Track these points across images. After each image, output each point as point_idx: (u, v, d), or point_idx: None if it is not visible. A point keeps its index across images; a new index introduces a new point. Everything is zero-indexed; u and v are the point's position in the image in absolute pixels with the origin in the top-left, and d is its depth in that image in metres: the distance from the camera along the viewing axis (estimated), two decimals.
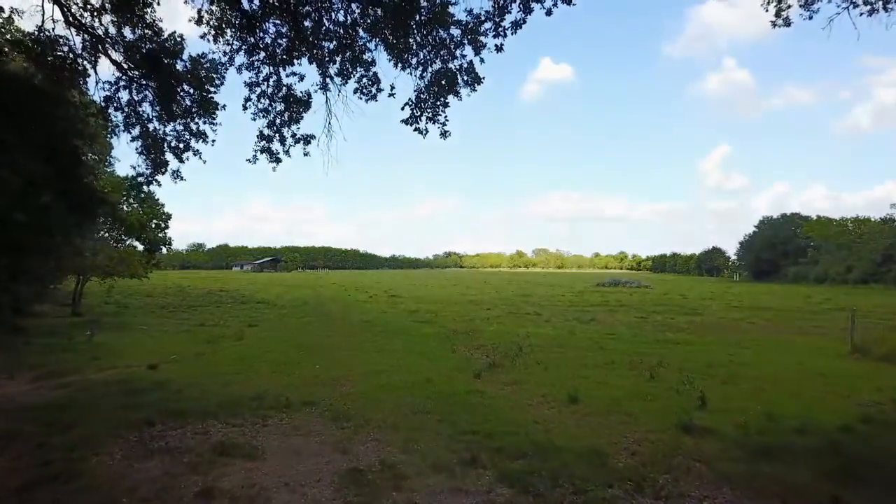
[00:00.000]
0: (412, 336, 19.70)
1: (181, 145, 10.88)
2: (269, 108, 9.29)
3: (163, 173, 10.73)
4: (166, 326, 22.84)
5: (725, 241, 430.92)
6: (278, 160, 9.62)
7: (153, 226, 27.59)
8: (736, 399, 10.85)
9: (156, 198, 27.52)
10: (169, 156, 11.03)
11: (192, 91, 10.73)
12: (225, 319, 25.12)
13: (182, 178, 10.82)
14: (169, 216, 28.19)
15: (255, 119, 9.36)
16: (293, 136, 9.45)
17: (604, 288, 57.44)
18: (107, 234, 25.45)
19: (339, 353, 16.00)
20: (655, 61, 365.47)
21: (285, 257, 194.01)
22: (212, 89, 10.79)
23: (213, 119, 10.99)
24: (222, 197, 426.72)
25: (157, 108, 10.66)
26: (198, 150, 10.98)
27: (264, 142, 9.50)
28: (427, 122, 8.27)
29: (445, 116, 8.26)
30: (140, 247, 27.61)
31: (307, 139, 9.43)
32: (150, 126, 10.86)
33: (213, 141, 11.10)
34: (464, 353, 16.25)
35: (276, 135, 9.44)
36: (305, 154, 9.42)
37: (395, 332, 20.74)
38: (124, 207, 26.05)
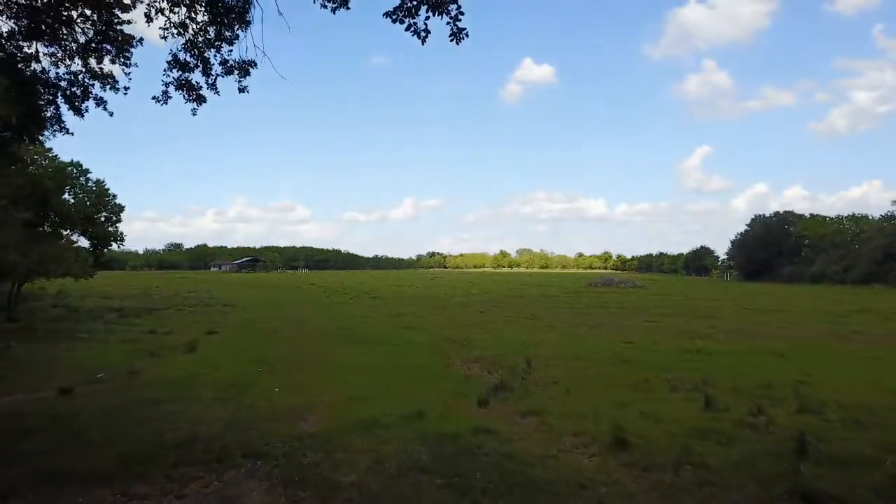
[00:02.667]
0: (397, 346, 16.71)
1: (78, 91, 7.78)
2: (188, 21, 6.23)
3: (45, 128, 7.62)
4: (112, 334, 19.62)
5: (704, 241, 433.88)
6: (200, 99, 6.58)
7: (102, 219, 24.26)
8: (838, 440, 7.98)
9: (105, 188, 24.21)
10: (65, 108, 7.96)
11: (92, 15, 7.65)
12: (182, 325, 21.97)
13: (67, 132, 7.72)
14: (121, 208, 24.92)
15: (165, 38, 6.29)
16: (223, 62, 6.40)
17: (597, 288, 54.73)
18: (48, 229, 22.15)
19: (306, 370, 12.97)
20: (636, 63, 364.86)
21: (265, 257, 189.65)
22: (121, 15, 7.72)
23: (127, 57, 7.91)
24: (204, 197, 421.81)
25: (43, 39, 7.57)
26: (102, 99, 7.89)
27: (179, 71, 6.43)
28: (428, 14, 5.21)
29: (458, 7, 5.19)
30: (86, 243, 24.24)
31: (244, 68, 6.39)
32: (37, 66, 7.77)
33: (127, 88, 8.03)
34: (460, 369, 13.33)
35: (198, 60, 6.38)
36: (242, 90, 6.37)
37: (376, 341, 17.71)
38: (69, 198, 22.75)
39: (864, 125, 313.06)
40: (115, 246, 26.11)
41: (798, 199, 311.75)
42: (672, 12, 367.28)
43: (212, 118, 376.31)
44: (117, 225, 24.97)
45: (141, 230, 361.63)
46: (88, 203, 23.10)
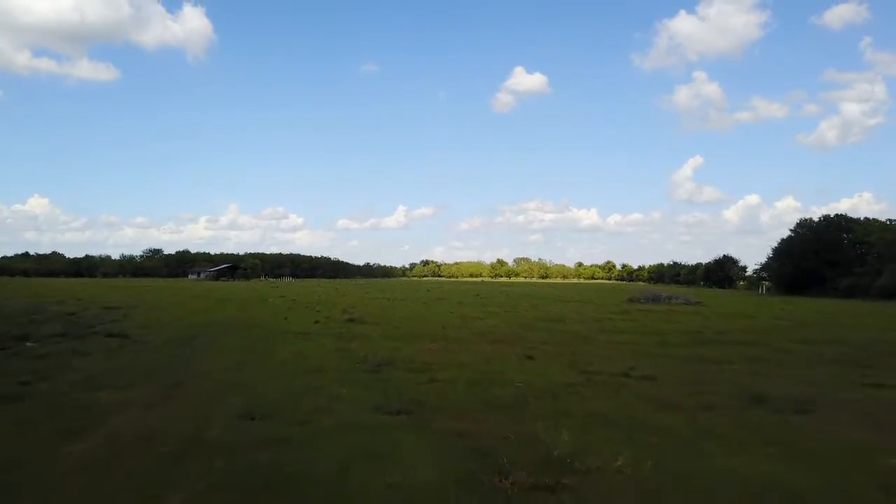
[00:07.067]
0: None
1: None
2: None
3: None
4: None
5: (696, 252, 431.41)
6: None
7: None
8: None
9: None
10: None
11: None
12: None
13: None
14: None
15: None
16: None
17: (645, 305, 43.01)
18: None
19: None
20: (627, 73, 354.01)
21: (247, 264, 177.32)
22: None
23: None
24: (196, 204, 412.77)
25: None
26: None
27: None
28: None
29: None
30: None
31: None
32: None
33: None
34: None
35: None
36: None
37: (305, 481, 6.20)
38: None
39: (854, 137, 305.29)
40: None
41: (790, 210, 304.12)
42: (662, 24, 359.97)
43: (202, 125, 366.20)
44: None
45: (132, 237, 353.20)
46: None
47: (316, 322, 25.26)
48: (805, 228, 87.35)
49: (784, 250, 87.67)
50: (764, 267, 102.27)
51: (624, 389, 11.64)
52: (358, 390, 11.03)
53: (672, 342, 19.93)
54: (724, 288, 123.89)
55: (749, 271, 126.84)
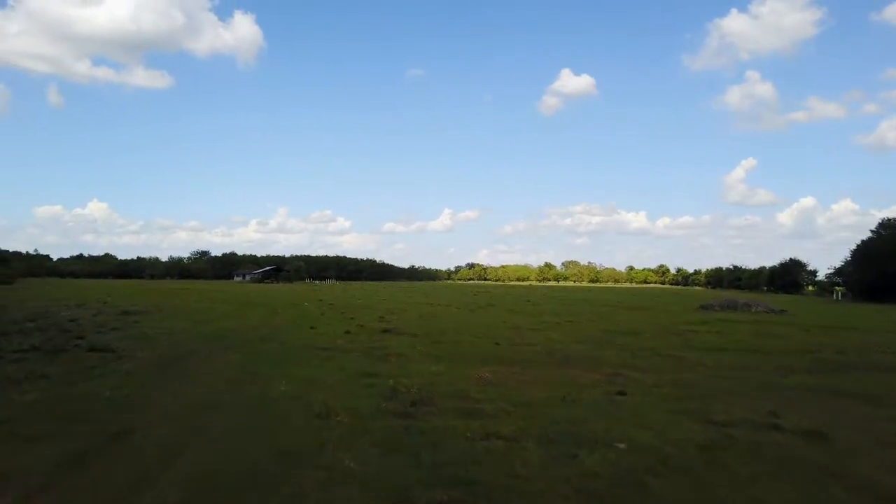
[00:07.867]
0: None
1: None
2: None
3: None
4: None
5: (748, 255, 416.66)
6: None
7: None
8: None
9: None
10: None
11: None
12: None
13: None
14: None
15: None
16: None
17: (719, 313, 38.14)
18: None
19: None
20: (676, 74, 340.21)
21: (291, 266, 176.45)
22: None
23: None
24: (247, 207, 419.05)
25: None
26: None
27: None
28: None
29: None
30: None
31: None
32: None
33: None
34: None
35: None
36: None
37: None
38: None
39: None
40: None
41: (847, 213, 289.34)
42: (713, 23, 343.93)
43: (253, 130, 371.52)
44: None
45: (185, 240, 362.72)
46: None
47: (346, 332, 21.56)
48: (889, 230, 78.97)
49: (864, 253, 79.64)
50: (838, 271, 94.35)
51: (789, 459, 7.45)
52: (375, 457, 7.17)
53: (790, 366, 15.45)
54: (790, 293, 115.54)
55: (820, 275, 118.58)
